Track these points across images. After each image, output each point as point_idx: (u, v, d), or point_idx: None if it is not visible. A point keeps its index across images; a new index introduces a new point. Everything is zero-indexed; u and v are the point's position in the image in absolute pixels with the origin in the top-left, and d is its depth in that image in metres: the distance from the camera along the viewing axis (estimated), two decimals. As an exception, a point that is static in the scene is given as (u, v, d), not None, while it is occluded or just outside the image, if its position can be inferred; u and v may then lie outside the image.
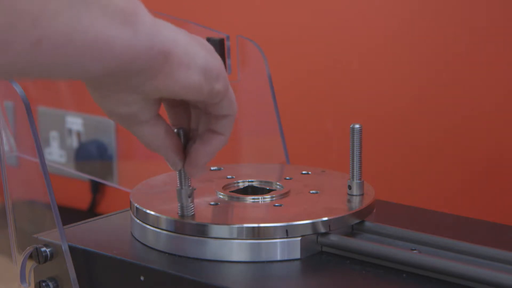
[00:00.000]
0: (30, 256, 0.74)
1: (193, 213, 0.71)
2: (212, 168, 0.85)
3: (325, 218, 0.71)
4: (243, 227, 0.69)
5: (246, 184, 0.81)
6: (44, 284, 0.73)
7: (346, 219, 0.73)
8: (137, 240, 0.74)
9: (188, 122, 0.68)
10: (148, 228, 0.73)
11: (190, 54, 0.60)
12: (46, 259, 0.73)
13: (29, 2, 0.49)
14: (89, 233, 0.77)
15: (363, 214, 0.74)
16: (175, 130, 0.67)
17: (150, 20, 0.56)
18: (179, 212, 0.71)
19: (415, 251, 0.69)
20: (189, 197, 0.71)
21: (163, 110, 0.68)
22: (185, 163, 0.68)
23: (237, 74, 0.97)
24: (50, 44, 0.50)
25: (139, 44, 0.55)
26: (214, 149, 0.67)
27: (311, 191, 0.78)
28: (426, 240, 0.71)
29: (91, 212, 1.53)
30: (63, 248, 0.72)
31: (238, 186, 0.80)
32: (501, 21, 1.07)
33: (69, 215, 1.35)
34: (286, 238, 0.70)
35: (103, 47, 0.53)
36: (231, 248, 0.69)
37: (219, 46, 0.95)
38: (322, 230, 0.71)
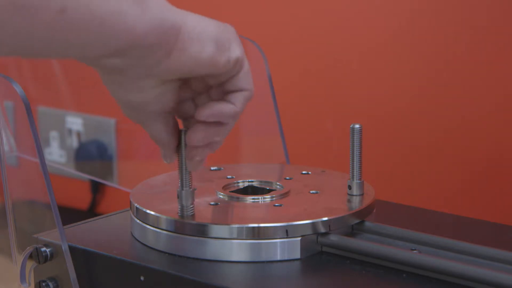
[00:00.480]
0: (30, 256, 0.74)
1: (193, 213, 0.71)
2: (212, 168, 0.85)
3: (325, 218, 0.71)
4: (243, 227, 0.69)
5: (246, 184, 0.81)
6: (44, 284, 0.73)
7: (346, 219, 0.73)
8: (137, 240, 0.74)
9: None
10: (148, 228, 0.73)
11: (200, 27, 0.61)
12: (46, 259, 0.73)
13: None
14: (89, 233, 0.77)
15: (363, 214, 0.74)
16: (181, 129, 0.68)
17: (161, 1, 0.59)
18: (179, 212, 0.71)
19: (415, 251, 0.69)
20: (189, 198, 0.71)
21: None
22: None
23: (237, 74, 0.97)
24: (72, 14, 0.52)
25: (149, 19, 0.57)
26: (220, 112, 0.65)
27: (311, 191, 0.78)
28: (426, 240, 0.71)
29: (91, 212, 1.53)
30: (63, 248, 0.72)
31: (238, 186, 0.80)
32: (501, 20, 1.07)
33: (69, 215, 1.35)
34: (286, 238, 0.70)
35: (117, 20, 0.55)
36: (231, 248, 0.69)
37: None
38: (322, 230, 0.71)
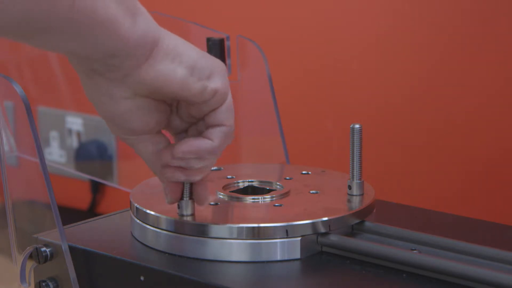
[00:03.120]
0: (30, 256, 0.74)
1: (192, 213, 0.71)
2: (212, 168, 0.85)
3: (325, 218, 0.71)
4: (243, 227, 0.69)
5: (246, 184, 0.81)
6: (44, 284, 0.73)
7: (346, 219, 0.73)
8: (137, 240, 0.74)
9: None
10: (148, 228, 0.73)
11: (179, 50, 0.62)
12: (46, 259, 0.73)
13: None
14: (89, 233, 0.77)
15: (363, 214, 0.74)
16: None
17: (148, 16, 0.61)
18: (178, 212, 0.71)
19: (415, 251, 0.69)
20: (189, 208, 0.71)
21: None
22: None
23: (237, 74, 0.97)
24: (81, 7, 0.55)
25: (136, 30, 0.59)
26: (197, 148, 0.65)
27: (311, 191, 0.78)
28: (426, 240, 0.71)
29: (91, 212, 1.53)
30: (63, 248, 0.72)
31: (238, 186, 0.80)
32: (501, 21, 1.07)
33: (69, 215, 1.35)
34: (286, 238, 0.70)
35: (113, 25, 0.57)
36: (231, 248, 0.69)
37: (219, 46, 0.95)
38: (322, 230, 0.71)
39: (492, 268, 0.66)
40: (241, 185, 0.80)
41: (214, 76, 0.63)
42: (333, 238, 0.70)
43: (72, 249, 0.72)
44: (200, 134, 0.67)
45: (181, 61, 0.62)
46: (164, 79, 0.61)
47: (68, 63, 0.63)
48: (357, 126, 0.76)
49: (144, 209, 0.73)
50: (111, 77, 0.61)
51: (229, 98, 0.65)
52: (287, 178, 0.82)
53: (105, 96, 0.62)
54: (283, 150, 0.95)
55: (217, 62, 0.64)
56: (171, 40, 0.62)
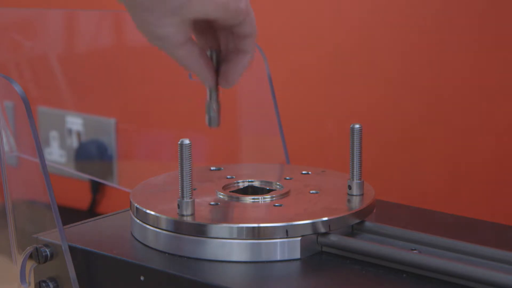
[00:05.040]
0: (30, 256, 0.74)
1: (192, 213, 0.71)
2: (212, 168, 0.85)
3: (325, 218, 0.71)
4: (243, 227, 0.69)
5: (246, 184, 0.81)
6: (44, 284, 0.73)
7: (346, 219, 0.73)
8: (137, 240, 0.74)
9: (217, 45, 0.77)
10: (148, 228, 0.73)
11: None
12: (46, 259, 0.73)
13: None
14: (89, 233, 0.77)
15: (363, 214, 0.74)
16: (208, 52, 0.75)
17: None
18: (178, 212, 0.71)
19: (415, 251, 0.69)
20: (189, 208, 0.71)
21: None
22: (218, 81, 0.76)
23: (237, 74, 0.97)
24: None
25: None
26: (242, 67, 0.75)
27: (311, 191, 0.78)
28: (426, 240, 0.71)
29: (91, 212, 1.53)
30: (63, 248, 0.72)
31: (238, 186, 0.80)
32: (500, 22, 1.07)
33: (69, 215, 1.35)
34: (286, 238, 0.70)
35: None
36: (231, 248, 0.69)
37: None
38: (322, 230, 0.71)
39: (492, 268, 0.66)
40: (241, 185, 0.80)
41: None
42: (333, 238, 0.70)
43: (72, 249, 0.72)
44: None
45: None
46: (214, 6, 0.70)
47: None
48: (357, 126, 0.76)
49: (144, 209, 0.73)
50: (162, 12, 0.69)
51: (251, 11, 0.74)
52: (287, 178, 0.82)
53: (154, 25, 0.70)
54: (283, 150, 0.95)
55: None
56: None
